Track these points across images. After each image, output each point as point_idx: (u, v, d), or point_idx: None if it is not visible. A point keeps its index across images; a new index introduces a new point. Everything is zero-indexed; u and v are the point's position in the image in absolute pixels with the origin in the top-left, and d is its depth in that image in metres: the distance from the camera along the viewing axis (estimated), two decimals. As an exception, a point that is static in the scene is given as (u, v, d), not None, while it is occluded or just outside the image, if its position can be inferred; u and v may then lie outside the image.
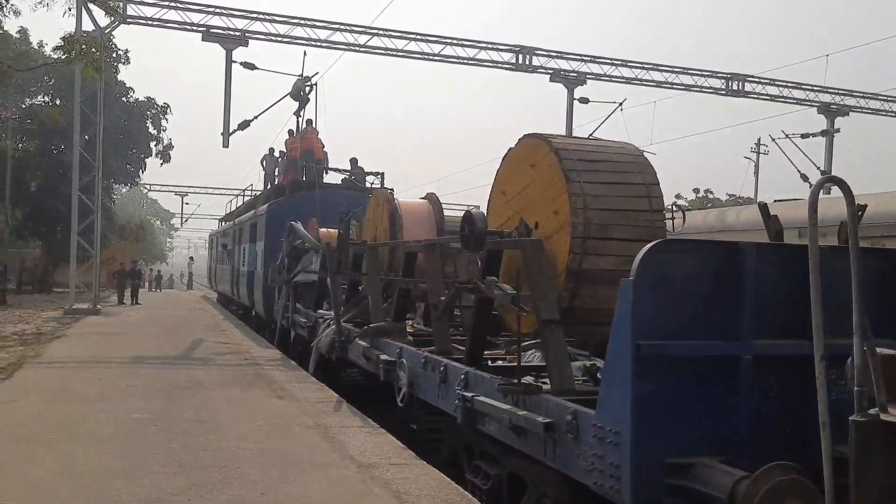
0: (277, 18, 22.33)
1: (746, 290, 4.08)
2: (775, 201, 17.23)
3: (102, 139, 23.09)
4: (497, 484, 5.74)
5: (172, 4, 21.05)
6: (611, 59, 26.27)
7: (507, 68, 25.14)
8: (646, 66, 26.57)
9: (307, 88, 22.22)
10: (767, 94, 28.16)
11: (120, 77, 35.84)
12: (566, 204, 5.39)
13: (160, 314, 23.38)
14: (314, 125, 21.59)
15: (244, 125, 21.19)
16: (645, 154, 5.94)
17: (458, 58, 24.38)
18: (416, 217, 10.34)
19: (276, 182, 22.31)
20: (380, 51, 23.43)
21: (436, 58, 24.22)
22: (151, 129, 39.62)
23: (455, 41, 24.25)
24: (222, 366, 11.83)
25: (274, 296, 16.32)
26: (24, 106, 36.31)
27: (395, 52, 23.63)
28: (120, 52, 32.61)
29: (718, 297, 4.08)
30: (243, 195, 32.87)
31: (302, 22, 22.58)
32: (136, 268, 32.07)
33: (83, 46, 13.81)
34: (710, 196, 49.12)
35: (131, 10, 20.83)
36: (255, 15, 21.88)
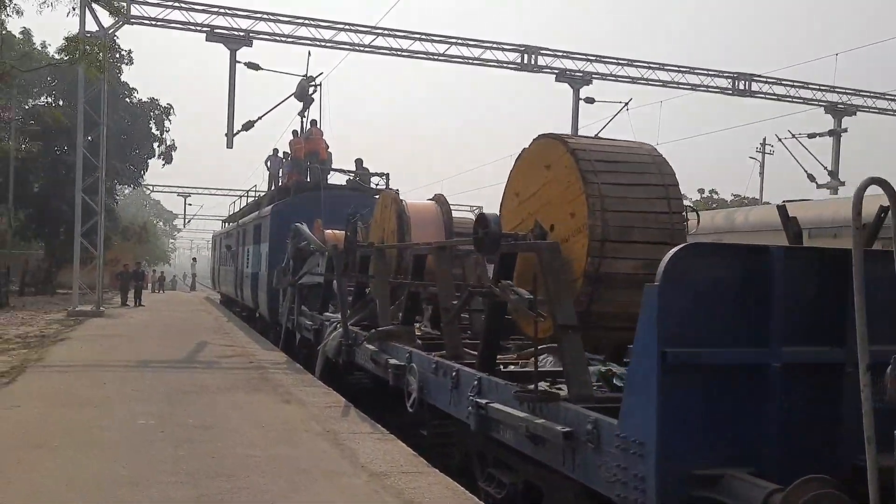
0: (282, 18, 22.23)
1: (775, 295, 3.93)
2: (784, 202, 17.11)
3: (106, 140, 23.00)
4: (512, 493, 5.60)
5: (176, 5, 20.96)
6: (617, 59, 26.16)
7: (512, 68, 25.02)
8: (652, 65, 26.45)
9: (311, 89, 22.13)
10: (774, 94, 28.02)
11: (123, 78, 35.82)
12: (583, 206, 5.25)
13: (164, 316, 23.27)
14: (319, 126, 21.47)
15: (248, 126, 21.09)
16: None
17: (463, 58, 24.27)
18: (424, 218, 10.20)
19: (280, 183, 22.20)
20: (384, 51, 23.33)
21: (440, 58, 24.11)
22: (154, 130, 39.60)
23: (460, 41, 24.13)
24: (227, 369, 11.70)
25: (278, 298, 16.20)
26: (27, 107, 36.26)
27: (399, 52, 23.52)
28: (123, 52, 32.56)
29: (746, 302, 3.93)
30: (247, 196, 32.79)
31: (306, 22, 22.49)
32: (139, 269, 32.00)
33: (87, 47, 13.69)
34: (715, 196, 49.00)
35: (135, 10, 20.74)
36: (259, 15, 21.79)
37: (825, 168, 29.97)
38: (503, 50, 24.79)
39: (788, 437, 3.94)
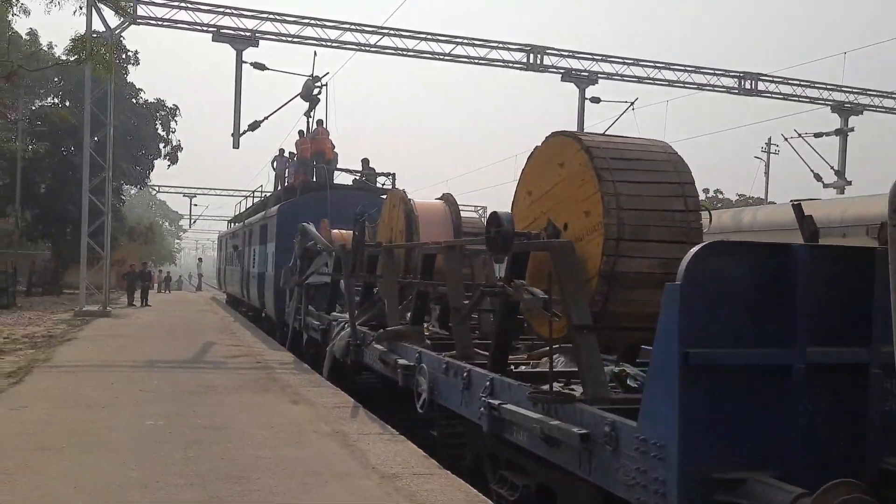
0: (288, 18, 22.16)
1: (798, 294, 3.84)
2: (791, 202, 16.97)
3: (112, 140, 22.98)
4: (525, 495, 5.52)
5: (183, 5, 20.91)
6: (623, 59, 26.02)
7: (518, 68, 24.91)
8: (658, 65, 26.32)
9: (317, 89, 22.07)
10: (780, 93, 27.84)
11: (129, 79, 35.79)
12: (598, 204, 5.17)
13: (170, 316, 23.23)
14: (325, 126, 21.41)
15: (254, 126, 21.01)
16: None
17: (469, 57, 24.17)
18: (433, 218, 10.14)
19: (286, 183, 22.15)
20: (390, 51, 23.24)
21: (446, 57, 24.01)
22: (160, 131, 39.58)
23: (466, 41, 24.03)
24: (234, 369, 11.64)
25: (285, 298, 16.15)
26: (33, 108, 36.29)
27: (405, 52, 23.43)
28: (129, 53, 32.55)
29: (769, 301, 3.84)
30: (253, 196, 32.76)
31: (312, 22, 22.41)
32: (145, 269, 31.97)
33: (94, 47, 13.65)
34: (720, 196, 48.81)
35: (141, 10, 20.69)
36: (265, 15, 21.71)
37: (832, 167, 29.83)
38: (509, 49, 24.68)
39: (813, 439, 3.85)
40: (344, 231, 13.88)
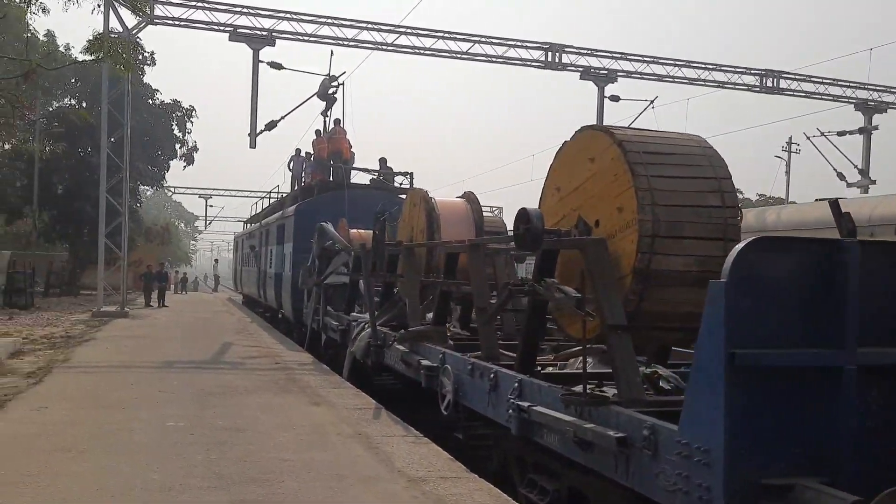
0: (304, 18, 22.10)
1: (849, 293, 3.67)
2: (817, 200, 16.69)
3: (129, 141, 23.03)
4: (555, 500, 5.37)
5: (200, 4, 20.90)
6: (642, 56, 25.81)
7: (536, 66, 24.73)
8: (678, 62, 26.06)
9: (334, 88, 22.01)
10: (803, 91, 27.49)
11: (145, 79, 35.92)
12: (632, 200, 5.01)
13: (187, 317, 23.25)
14: (342, 125, 21.34)
15: (271, 125, 20.98)
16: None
17: (487, 56, 24.03)
18: (454, 217, 9.98)
19: (303, 183, 22.08)
20: (407, 50, 23.13)
21: (464, 56, 23.88)
22: (177, 132, 39.71)
23: (483, 39, 23.88)
24: (253, 370, 11.56)
25: (302, 298, 16.06)
26: (50, 109, 36.50)
27: (422, 51, 23.32)
28: (146, 53, 32.65)
29: (819, 299, 3.68)
30: (269, 197, 32.75)
31: (329, 21, 22.35)
32: (162, 270, 32.08)
33: (112, 46, 13.62)
34: (741, 196, 48.35)
35: (158, 10, 20.72)
36: (282, 14, 21.67)
37: (855, 166, 29.43)
38: (527, 48, 24.51)
39: (864, 444, 3.68)
40: (362, 231, 13.77)
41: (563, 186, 5.94)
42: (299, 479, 5.41)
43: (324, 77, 21.68)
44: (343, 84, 21.80)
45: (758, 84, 26.80)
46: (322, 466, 5.78)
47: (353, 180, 19.83)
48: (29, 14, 17.16)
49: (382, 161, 20.70)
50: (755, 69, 26.75)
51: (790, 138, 42.18)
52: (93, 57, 13.58)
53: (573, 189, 5.78)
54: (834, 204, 5.99)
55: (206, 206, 59.44)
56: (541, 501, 5.48)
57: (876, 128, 28.88)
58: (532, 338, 5.94)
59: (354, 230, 14.19)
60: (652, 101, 25.52)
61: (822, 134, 30.63)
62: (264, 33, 21.15)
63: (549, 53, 24.52)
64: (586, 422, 4.61)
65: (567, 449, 4.86)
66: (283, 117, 21.24)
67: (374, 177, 20.50)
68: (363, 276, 10.86)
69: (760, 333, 3.59)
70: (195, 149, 41.47)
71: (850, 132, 29.37)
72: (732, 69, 26.50)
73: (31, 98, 26.87)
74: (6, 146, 29.19)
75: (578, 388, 5.16)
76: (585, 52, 25.11)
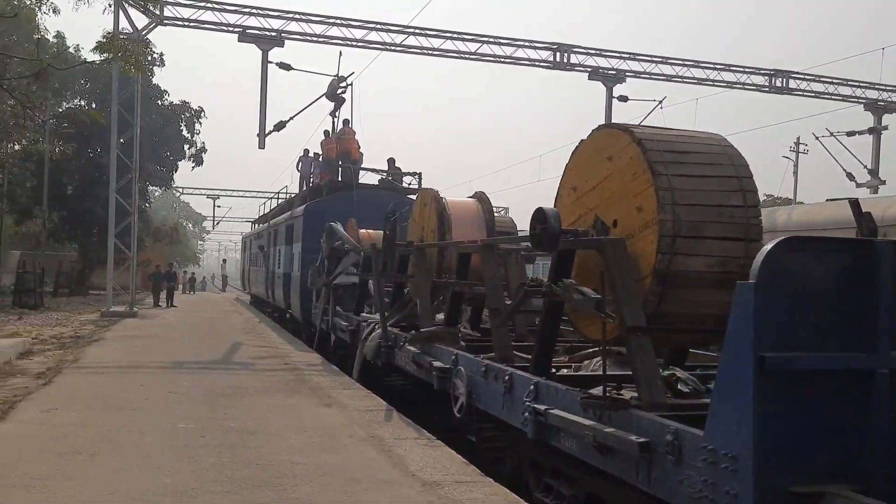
0: (313, 18, 22.05)
1: (882, 294, 3.57)
2: (828, 200, 16.53)
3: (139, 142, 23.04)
4: (572, 505, 5.28)
5: (208, 5, 20.87)
6: (650, 56, 25.67)
7: (544, 66, 24.62)
8: (686, 62, 25.91)
9: (342, 88, 21.95)
10: (812, 91, 27.29)
11: (154, 80, 35.97)
12: (652, 199, 4.91)
13: (196, 317, 23.23)
14: (350, 125, 21.28)
15: (280, 126, 20.93)
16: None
17: (495, 56, 23.93)
18: (465, 217, 9.89)
19: (311, 183, 22.04)
20: (416, 50, 23.05)
21: (472, 56, 23.78)
22: (185, 132, 39.76)
23: (492, 39, 23.78)
24: (263, 370, 11.50)
25: (311, 298, 16.01)
26: (60, 110, 36.57)
27: (431, 51, 23.24)
28: (155, 55, 32.69)
29: (850, 301, 3.58)
30: (277, 197, 32.74)
31: (338, 21, 22.29)
32: (171, 270, 32.09)
33: (124, 46, 13.59)
34: (749, 196, 48.02)
35: (168, 11, 20.70)
36: (290, 15, 21.62)
37: (865, 166, 29.21)
38: (535, 48, 24.40)
39: (897, 450, 3.58)
40: (371, 231, 13.71)
41: (579, 186, 5.84)
42: (313, 483, 5.33)
43: (332, 77, 21.63)
44: (352, 84, 21.75)
45: (767, 84, 26.64)
46: (335, 470, 5.70)
47: (361, 180, 19.76)
48: (40, 14, 17.16)
49: (391, 161, 20.64)
50: (764, 69, 26.58)
51: (798, 138, 41.97)
52: (103, 57, 13.54)
53: (590, 188, 5.68)
54: (854, 204, 5.89)
55: (214, 206, 59.56)
56: (558, 506, 5.39)
57: (886, 128, 28.67)
58: (548, 340, 5.84)
59: (363, 230, 14.13)
60: (660, 102, 25.39)
61: (832, 134, 30.42)
62: (273, 34, 21.10)
63: (558, 54, 24.41)
64: (606, 426, 4.52)
65: (586, 453, 4.77)
66: (291, 118, 21.19)
67: (383, 177, 20.43)
68: (373, 276, 10.79)
69: (790, 336, 3.49)
70: (204, 149, 41.56)
71: (860, 132, 29.15)
72: (741, 69, 26.34)
73: (42, 99, 26.94)
74: (17, 147, 29.24)
75: (596, 391, 5.09)
76: (594, 52, 24.98)
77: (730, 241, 4.95)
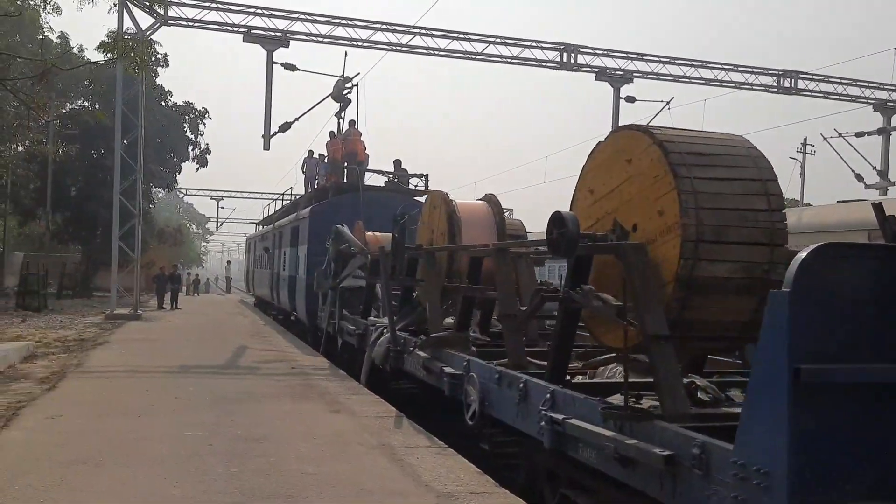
0: (318, 19, 21.96)
1: (922, 304, 3.42)
2: (839, 202, 16.35)
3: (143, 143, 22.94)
4: (590, 516, 5.13)
5: (213, 5, 20.78)
6: (658, 57, 25.53)
7: (551, 67, 24.50)
8: (694, 63, 25.77)
9: (348, 89, 21.81)
10: (821, 92, 27.13)
11: (158, 81, 35.87)
12: (674, 203, 4.77)
13: (201, 319, 23.12)
14: (356, 126, 21.14)
15: (285, 127, 20.81)
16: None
17: (502, 57, 23.81)
18: (476, 220, 9.75)
19: (316, 185, 21.90)
20: (422, 50, 22.94)
21: (479, 57, 23.67)
22: (189, 134, 39.66)
23: (498, 40, 23.67)
24: (269, 375, 11.37)
25: (317, 301, 15.87)
26: (64, 111, 36.51)
27: (437, 52, 23.13)
28: (160, 55, 32.59)
29: (890, 310, 3.43)
30: (281, 199, 32.60)
31: (343, 22, 22.20)
32: (175, 272, 31.99)
33: (127, 45, 13.49)
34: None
35: (172, 11, 20.61)
36: (296, 15, 21.53)
37: (874, 168, 29.00)
38: (542, 48, 24.27)
39: (938, 466, 3.43)
40: (379, 233, 13.57)
41: (596, 189, 5.70)
42: (323, 494, 5.20)
43: (338, 78, 21.48)
44: (357, 85, 21.60)
45: (775, 85, 26.49)
46: (347, 480, 5.56)
47: (367, 182, 19.62)
48: (43, 14, 17.06)
49: (397, 163, 20.50)
50: (773, 69, 26.43)
51: (805, 140, 41.71)
52: (107, 57, 13.43)
53: (608, 191, 5.54)
54: (878, 207, 5.73)
55: (218, 207, 59.51)
56: (575, 518, 5.25)
57: (895, 129, 28.45)
58: (564, 346, 5.70)
59: (370, 233, 13.99)
60: (668, 102, 25.24)
61: (840, 135, 30.20)
62: (278, 34, 21.01)
63: (565, 54, 24.29)
64: (628, 437, 4.37)
65: (606, 465, 4.62)
66: (297, 119, 21.08)
67: (389, 179, 20.29)
68: (382, 279, 10.64)
69: (826, 347, 3.35)
70: (207, 151, 41.44)
71: (869, 133, 28.95)
72: (749, 69, 26.20)
73: (45, 99, 26.86)
74: (20, 148, 29.18)
75: (615, 399, 4.94)
76: (601, 52, 24.85)
77: (754, 246, 4.81)
